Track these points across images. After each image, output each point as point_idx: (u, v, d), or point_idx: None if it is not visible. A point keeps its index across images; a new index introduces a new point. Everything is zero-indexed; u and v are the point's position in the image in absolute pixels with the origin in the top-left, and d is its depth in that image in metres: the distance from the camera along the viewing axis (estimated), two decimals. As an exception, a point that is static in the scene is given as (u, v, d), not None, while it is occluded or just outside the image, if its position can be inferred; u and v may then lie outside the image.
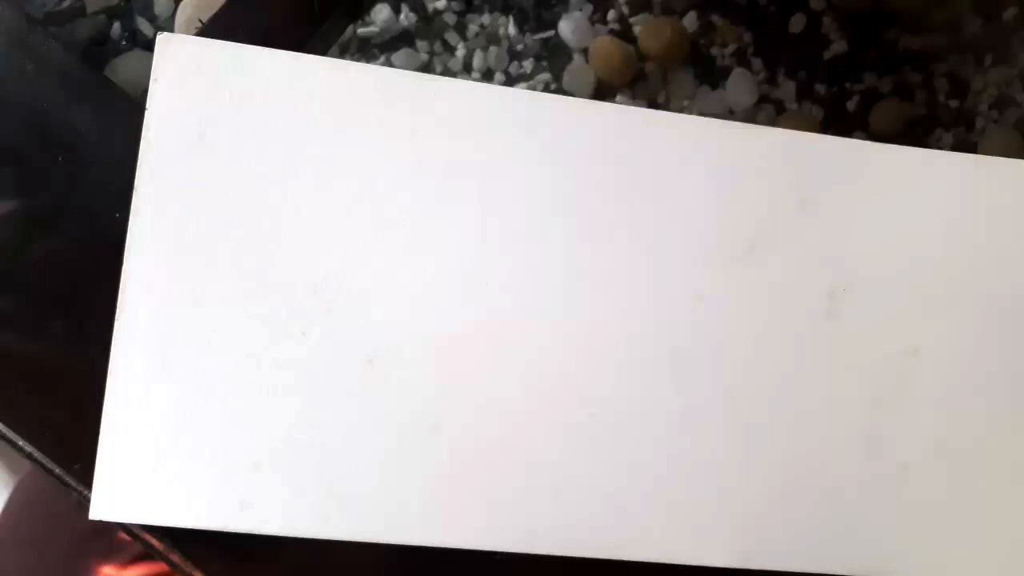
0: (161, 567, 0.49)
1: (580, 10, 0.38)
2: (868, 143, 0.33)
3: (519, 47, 0.38)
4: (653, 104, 0.39)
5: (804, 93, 0.40)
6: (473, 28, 0.38)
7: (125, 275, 0.29)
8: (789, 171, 0.32)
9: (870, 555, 0.31)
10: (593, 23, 0.39)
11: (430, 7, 0.38)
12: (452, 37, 0.38)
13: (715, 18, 0.39)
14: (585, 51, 0.38)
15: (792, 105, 0.39)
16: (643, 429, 0.30)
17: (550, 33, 0.38)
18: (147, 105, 0.29)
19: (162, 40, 0.29)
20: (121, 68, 0.36)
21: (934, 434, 0.32)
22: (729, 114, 0.39)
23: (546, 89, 0.38)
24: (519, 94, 0.31)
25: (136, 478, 0.28)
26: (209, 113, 0.29)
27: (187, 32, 0.36)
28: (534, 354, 0.30)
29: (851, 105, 0.40)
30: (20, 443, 0.30)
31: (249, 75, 0.30)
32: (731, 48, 0.39)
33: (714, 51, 0.39)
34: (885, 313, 0.32)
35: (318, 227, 0.30)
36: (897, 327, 0.32)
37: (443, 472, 0.30)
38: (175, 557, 0.30)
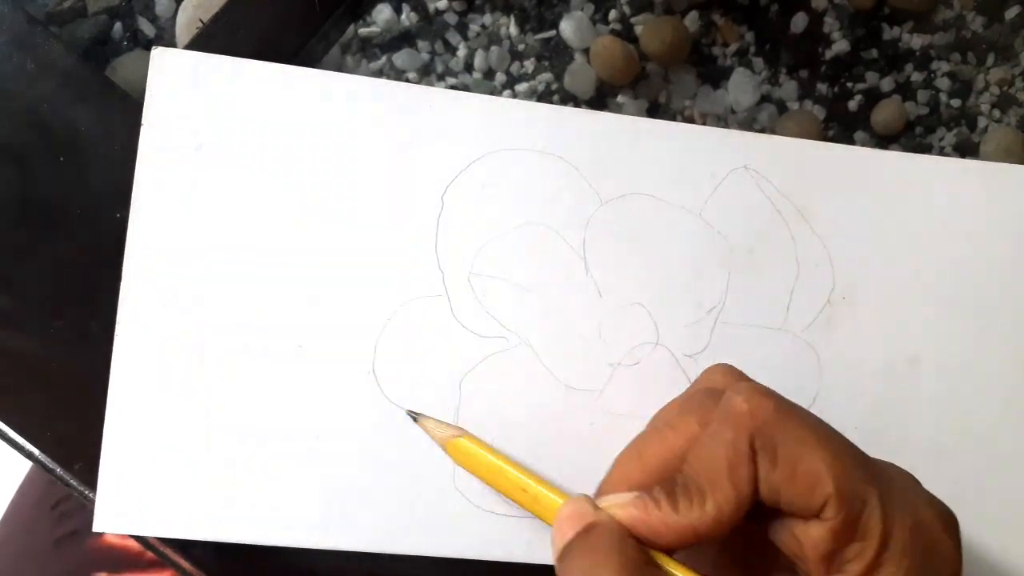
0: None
1: (581, 10, 0.38)
2: (868, 150, 0.33)
3: (520, 47, 0.38)
4: (655, 104, 0.39)
5: (806, 93, 0.40)
6: (474, 28, 0.38)
7: (123, 287, 0.29)
8: (789, 178, 0.32)
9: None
10: (594, 23, 0.39)
11: (431, 7, 0.38)
12: (453, 37, 0.38)
13: (716, 18, 0.39)
14: (586, 51, 0.38)
15: (794, 105, 0.39)
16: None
17: (551, 33, 0.38)
18: (143, 118, 0.29)
19: (157, 54, 0.29)
20: (122, 68, 0.36)
21: (935, 442, 0.31)
22: (731, 114, 0.39)
23: (547, 89, 0.38)
24: (517, 104, 0.31)
25: (138, 490, 0.28)
26: (204, 125, 0.29)
27: (188, 32, 0.36)
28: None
29: (853, 105, 0.40)
30: (21, 443, 0.30)
31: (243, 87, 0.29)
32: (732, 48, 0.39)
33: (715, 51, 0.39)
34: (884, 320, 0.31)
35: (313, 239, 0.29)
36: (897, 335, 0.32)
37: (451, 486, 0.29)
38: (183, 562, 0.30)
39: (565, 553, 0.24)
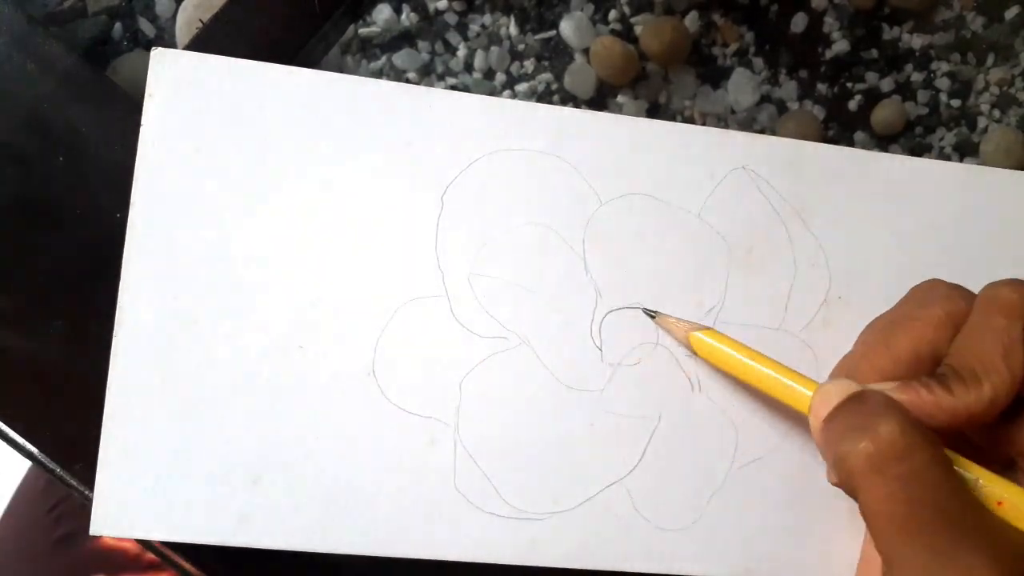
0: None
1: (581, 10, 0.38)
2: (866, 152, 0.33)
3: (520, 47, 0.38)
4: (654, 104, 0.39)
5: (806, 93, 0.40)
6: (474, 28, 0.38)
7: (122, 290, 0.28)
8: (787, 179, 0.32)
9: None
10: (594, 23, 0.39)
11: (431, 7, 0.38)
12: (453, 37, 0.38)
13: (716, 18, 0.39)
14: (586, 51, 0.38)
15: (793, 105, 0.39)
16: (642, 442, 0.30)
17: (551, 33, 0.38)
18: (142, 120, 0.29)
19: (156, 55, 0.29)
20: (122, 68, 0.36)
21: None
22: (731, 114, 0.39)
23: (547, 89, 0.38)
24: (517, 104, 0.31)
25: (136, 493, 0.28)
26: (204, 127, 0.29)
27: (188, 32, 0.36)
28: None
29: (853, 105, 0.40)
30: (20, 442, 0.30)
31: (243, 88, 0.29)
32: (732, 48, 0.39)
33: (715, 51, 0.39)
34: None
35: (313, 240, 0.29)
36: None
37: (452, 487, 0.29)
38: (184, 563, 0.30)
39: (832, 416, 0.25)
